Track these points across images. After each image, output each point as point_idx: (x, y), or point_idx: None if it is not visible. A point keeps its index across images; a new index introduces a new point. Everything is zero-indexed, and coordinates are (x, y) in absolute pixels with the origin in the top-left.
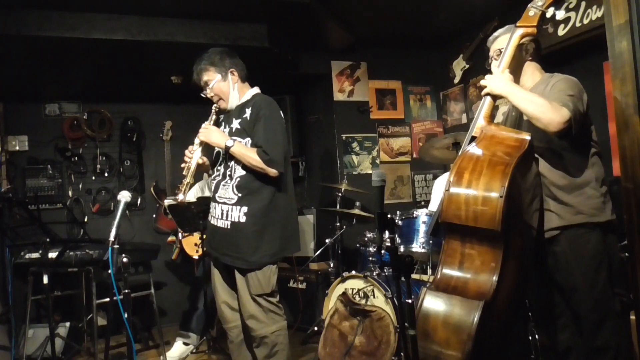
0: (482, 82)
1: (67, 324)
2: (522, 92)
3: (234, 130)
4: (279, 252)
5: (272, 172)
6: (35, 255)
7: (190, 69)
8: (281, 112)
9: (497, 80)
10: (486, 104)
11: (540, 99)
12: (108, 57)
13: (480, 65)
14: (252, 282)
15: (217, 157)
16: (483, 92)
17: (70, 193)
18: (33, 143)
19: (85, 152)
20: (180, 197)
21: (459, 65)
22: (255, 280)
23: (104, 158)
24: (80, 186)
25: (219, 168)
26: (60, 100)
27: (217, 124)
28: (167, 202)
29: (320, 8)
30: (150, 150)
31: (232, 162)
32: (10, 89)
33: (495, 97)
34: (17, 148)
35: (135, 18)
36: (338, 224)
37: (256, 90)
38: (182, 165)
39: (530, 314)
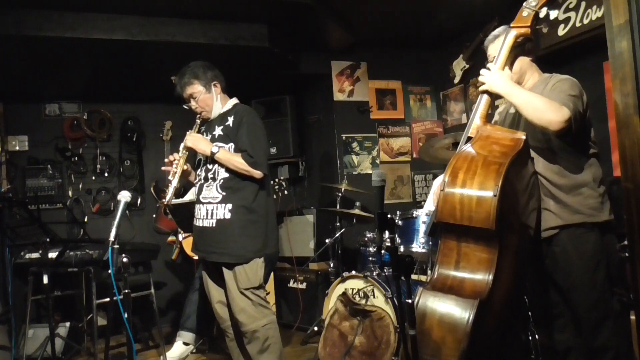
0: (481, 78)
1: (67, 324)
2: (521, 92)
3: (216, 136)
4: (262, 249)
5: (257, 173)
6: (35, 255)
7: None
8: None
9: (496, 77)
10: (482, 103)
11: (540, 99)
12: (108, 57)
13: (480, 65)
14: (240, 276)
15: (198, 163)
16: (481, 89)
17: (70, 193)
18: (33, 143)
19: (85, 152)
20: (167, 198)
21: (459, 65)
22: (243, 274)
23: (104, 158)
24: (80, 186)
25: (199, 173)
26: (60, 100)
27: (199, 132)
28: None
29: (320, 8)
30: (150, 150)
31: (215, 166)
32: (10, 89)
33: (493, 95)
34: (17, 148)
35: (135, 18)
36: (338, 224)
37: (235, 100)
38: (163, 168)
39: (530, 313)
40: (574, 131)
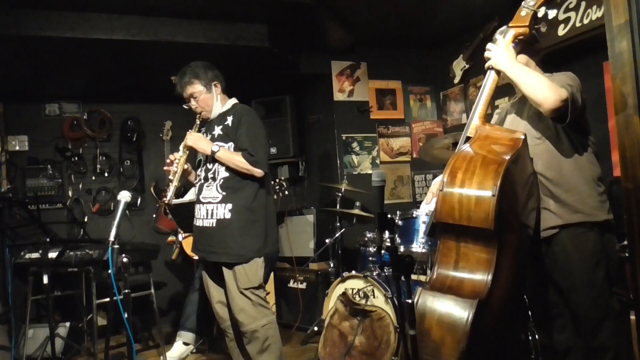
0: (487, 54)
1: (67, 324)
2: (524, 68)
3: (216, 136)
4: (262, 248)
5: (258, 172)
6: (35, 255)
7: None
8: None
9: (501, 55)
10: (481, 103)
11: (541, 77)
12: (108, 57)
13: (480, 65)
14: (240, 276)
15: (198, 163)
16: (486, 65)
17: (70, 193)
18: (33, 143)
19: (85, 152)
20: (168, 197)
21: (459, 65)
22: (243, 274)
23: (104, 158)
24: (80, 186)
25: (199, 173)
26: (60, 100)
27: (199, 132)
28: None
29: (320, 8)
30: (150, 150)
31: (215, 165)
32: (10, 89)
33: (497, 72)
34: (17, 148)
35: (135, 18)
36: (338, 224)
37: (235, 100)
38: (165, 168)
39: (530, 313)
40: (570, 118)
